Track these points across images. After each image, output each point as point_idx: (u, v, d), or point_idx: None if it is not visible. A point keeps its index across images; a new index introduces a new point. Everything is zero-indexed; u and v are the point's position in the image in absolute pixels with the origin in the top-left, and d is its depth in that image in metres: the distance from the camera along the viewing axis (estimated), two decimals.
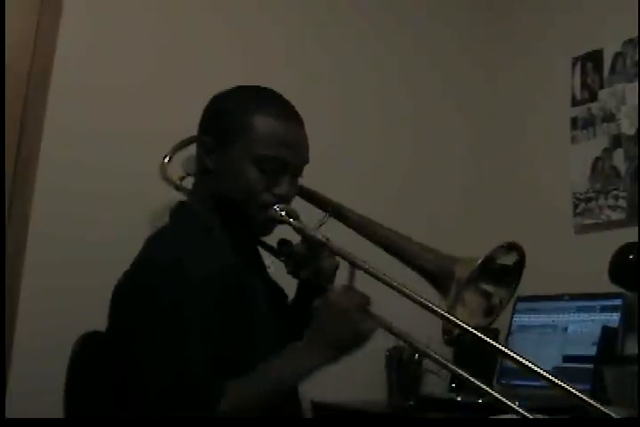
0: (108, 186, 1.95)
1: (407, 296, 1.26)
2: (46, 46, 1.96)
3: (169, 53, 2.12)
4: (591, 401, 1.11)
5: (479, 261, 1.31)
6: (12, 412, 1.63)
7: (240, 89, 1.47)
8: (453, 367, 1.25)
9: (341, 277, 1.42)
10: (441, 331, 1.31)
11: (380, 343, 2.18)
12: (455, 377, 2.16)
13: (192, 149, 1.73)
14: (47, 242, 1.88)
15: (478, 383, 1.22)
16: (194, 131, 1.52)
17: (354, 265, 1.31)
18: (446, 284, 1.33)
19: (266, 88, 1.48)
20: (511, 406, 1.18)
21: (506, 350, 1.22)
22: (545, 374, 1.14)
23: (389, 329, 1.28)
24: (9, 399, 1.75)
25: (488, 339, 1.23)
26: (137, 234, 1.45)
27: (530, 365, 1.16)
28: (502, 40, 2.70)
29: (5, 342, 1.78)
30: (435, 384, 2.26)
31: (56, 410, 1.42)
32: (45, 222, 1.90)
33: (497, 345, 1.23)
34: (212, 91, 1.51)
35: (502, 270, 1.38)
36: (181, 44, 2.15)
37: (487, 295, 1.39)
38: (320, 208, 1.55)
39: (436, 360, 1.27)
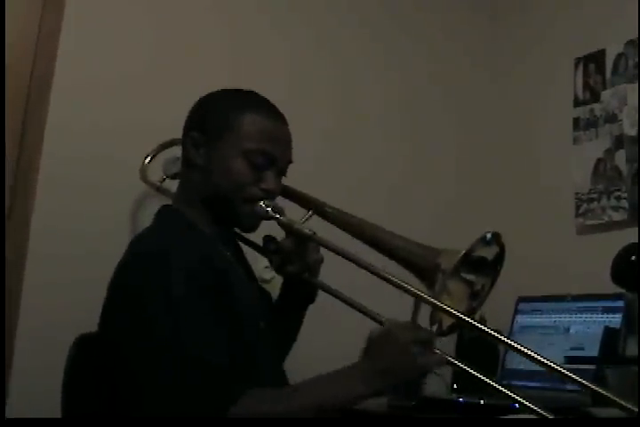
0: (110, 180, 1.95)
1: (398, 286, 1.28)
2: (49, 45, 1.96)
3: (169, 52, 2.13)
4: (595, 387, 1.12)
5: (463, 252, 1.32)
6: (12, 412, 1.64)
7: (227, 91, 1.52)
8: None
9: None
10: (429, 322, 1.32)
11: None
12: (457, 378, 2.16)
13: (171, 152, 1.78)
14: (49, 236, 1.88)
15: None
16: None
17: (343, 256, 1.35)
18: (432, 275, 1.34)
19: (251, 91, 1.52)
20: (515, 398, 1.21)
21: (501, 337, 1.28)
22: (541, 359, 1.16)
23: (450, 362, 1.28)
24: (9, 399, 1.75)
25: (478, 324, 1.27)
26: (139, 228, 1.46)
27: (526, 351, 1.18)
28: (504, 41, 2.70)
29: (7, 342, 1.78)
30: (437, 385, 2.26)
31: (56, 410, 1.42)
32: (48, 217, 1.90)
33: (488, 330, 1.27)
34: (209, 87, 1.54)
35: (482, 260, 1.39)
36: (182, 42, 2.15)
37: (469, 283, 1.40)
38: (303, 206, 1.56)
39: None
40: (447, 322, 1.36)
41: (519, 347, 1.22)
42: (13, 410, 1.66)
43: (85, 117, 1.97)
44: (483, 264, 1.40)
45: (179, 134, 1.53)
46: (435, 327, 1.34)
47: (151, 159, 1.91)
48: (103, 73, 2.02)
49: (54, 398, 1.43)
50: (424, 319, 1.34)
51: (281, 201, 1.53)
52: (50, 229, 1.89)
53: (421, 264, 1.38)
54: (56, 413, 1.43)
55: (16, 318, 1.82)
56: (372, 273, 1.31)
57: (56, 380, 1.43)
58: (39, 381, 1.70)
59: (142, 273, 1.30)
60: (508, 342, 1.29)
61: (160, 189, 1.82)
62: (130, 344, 1.26)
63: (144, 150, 1.93)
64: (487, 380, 1.26)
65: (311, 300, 1.58)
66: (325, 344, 1.85)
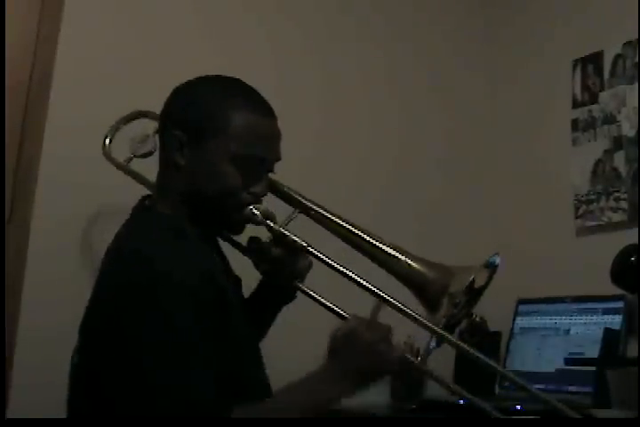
0: (109, 180, 1.94)
1: (394, 307, 1.27)
2: (48, 45, 1.98)
3: (164, 54, 2.13)
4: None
5: (472, 278, 1.30)
6: (12, 412, 1.64)
7: (207, 80, 1.41)
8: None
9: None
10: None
11: None
12: (458, 380, 2.16)
13: (135, 128, 1.74)
14: (50, 235, 1.89)
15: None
16: None
17: (337, 271, 1.32)
18: (438, 299, 1.31)
19: (234, 78, 1.41)
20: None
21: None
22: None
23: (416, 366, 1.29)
24: (9, 399, 1.75)
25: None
26: None
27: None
28: (502, 43, 2.70)
29: (8, 341, 1.79)
30: (438, 387, 2.26)
31: (57, 410, 1.42)
32: (48, 215, 1.91)
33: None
34: None
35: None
36: (178, 43, 2.16)
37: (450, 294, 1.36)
38: (289, 204, 1.49)
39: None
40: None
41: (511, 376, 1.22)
42: (14, 410, 1.66)
43: (85, 118, 1.97)
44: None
45: None
46: (433, 342, 1.33)
47: (113, 136, 1.82)
48: (102, 73, 2.03)
49: (55, 398, 1.43)
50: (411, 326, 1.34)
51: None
52: (50, 227, 1.89)
53: (427, 287, 1.33)
54: (56, 413, 1.43)
55: (17, 317, 1.83)
56: (367, 291, 1.30)
57: (57, 380, 1.43)
58: (40, 381, 1.70)
59: (133, 284, 1.21)
60: (500, 369, 1.30)
61: (126, 170, 1.73)
62: (117, 359, 1.19)
63: None
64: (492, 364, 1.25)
65: (289, 300, 1.52)
66: (310, 348, 1.85)
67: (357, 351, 1.22)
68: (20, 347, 1.81)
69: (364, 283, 1.30)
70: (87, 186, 1.94)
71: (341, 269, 1.33)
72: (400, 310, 1.28)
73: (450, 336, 1.30)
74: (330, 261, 1.34)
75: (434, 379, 1.32)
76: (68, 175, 1.93)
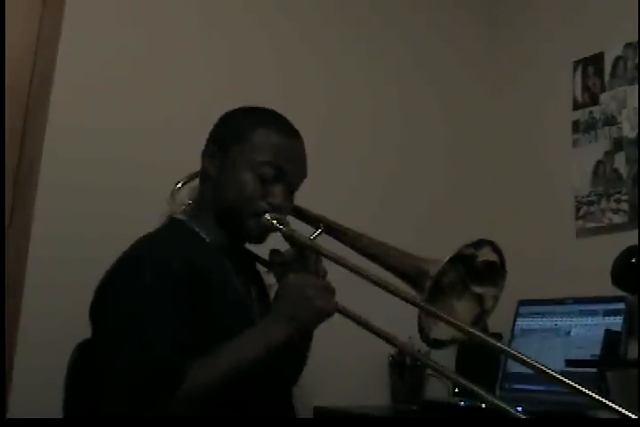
0: (110, 182, 1.96)
1: (394, 293, 1.30)
2: (49, 46, 1.98)
3: (166, 56, 2.14)
4: (597, 397, 1.11)
5: (447, 258, 1.33)
6: (12, 412, 1.64)
7: (246, 107, 1.55)
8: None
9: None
10: (418, 330, 1.33)
11: (383, 348, 2.18)
12: (458, 382, 2.16)
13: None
14: (50, 238, 1.89)
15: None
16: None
17: (341, 265, 1.36)
18: (421, 282, 1.35)
19: (269, 109, 1.55)
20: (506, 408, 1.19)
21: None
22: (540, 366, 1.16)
23: (353, 318, 1.31)
24: (10, 399, 1.75)
25: (468, 328, 1.27)
26: (140, 229, 1.47)
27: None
28: (503, 43, 2.70)
29: (9, 342, 1.79)
30: (438, 389, 2.26)
31: (56, 410, 1.42)
32: (48, 219, 1.91)
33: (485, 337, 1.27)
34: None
35: (484, 270, 1.40)
36: (177, 44, 2.17)
37: (478, 299, 1.40)
38: (311, 224, 1.55)
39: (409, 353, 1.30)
40: (440, 334, 1.36)
41: (516, 353, 1.21)
42: (14, 410, 1.66)
43: (86, 119, 1.98)
44: (484, 275, 1.40)
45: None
46: (423, 335, 1.34)
47: (182, 185, 1.92)
48: (103, 75, 2.03)
49: (55, 399, 1.43)
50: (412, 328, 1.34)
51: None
52: (50, 231, 1.89)
53: (412, 272, 1.39)
54: (56, 413, 1.43)
55: (17, 318, 1.83)
56: (371, 282, 1.32)
57: (57, 380, 1.44)
58: (40, 381, 1.70)
59: (117, 272, 1.36)
60: (506, 348, 1.29)
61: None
62: (100, 336, 1.34)
63: (144, 152, 1.95)
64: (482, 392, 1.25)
65: None
66: (328, 355, 1.84)
67: (291, 297, 1.32)
68: (21, 347, 1.81)
69: (380, 281, 1.32)
70: (88, 188, 1.94)
71: (350, 264, 1.35)
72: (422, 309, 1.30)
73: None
74: (337, 257, 1.37)
75: (438, 371, 1.32)
76: (68, 178, 1.93)
